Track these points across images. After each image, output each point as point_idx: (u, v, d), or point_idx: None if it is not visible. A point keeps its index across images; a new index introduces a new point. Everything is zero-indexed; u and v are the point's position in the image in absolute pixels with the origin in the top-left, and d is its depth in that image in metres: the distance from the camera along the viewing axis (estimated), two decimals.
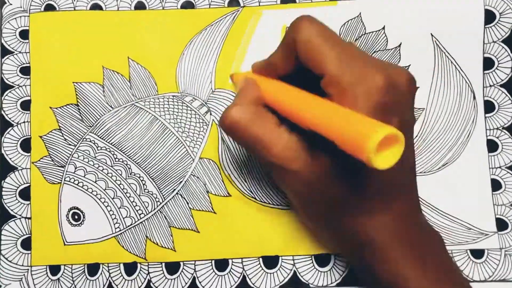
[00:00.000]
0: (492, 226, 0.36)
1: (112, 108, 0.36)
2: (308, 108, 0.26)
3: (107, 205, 0.36)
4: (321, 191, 0.27)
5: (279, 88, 0.29)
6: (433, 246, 0.29)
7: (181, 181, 0.36)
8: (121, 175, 0.36)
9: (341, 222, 0.28)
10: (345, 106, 0.25)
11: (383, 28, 0.36)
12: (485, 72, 0.36)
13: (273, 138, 0.27)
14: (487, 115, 0.36)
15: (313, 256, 0.35)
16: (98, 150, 0.36)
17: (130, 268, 0.36)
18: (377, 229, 0.28)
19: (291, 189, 0.29)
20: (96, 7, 0.37)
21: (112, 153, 0.36)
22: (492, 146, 0.36)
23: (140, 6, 0.37)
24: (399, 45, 0.36)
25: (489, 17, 0.36)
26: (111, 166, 0.36)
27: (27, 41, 0.37)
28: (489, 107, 0.36)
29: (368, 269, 0.29)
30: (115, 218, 0.36)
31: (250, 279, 0.35)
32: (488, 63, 0.36)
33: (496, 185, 0.36)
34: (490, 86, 0.36)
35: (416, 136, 0.36)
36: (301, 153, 0.27)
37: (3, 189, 0.36)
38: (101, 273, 0.35)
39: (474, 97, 0.36)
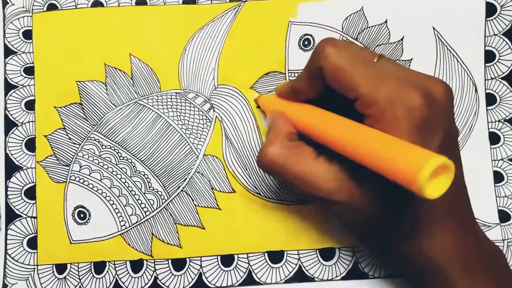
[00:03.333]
0: (495, 218, 0.36)
1: (115, 106, 0.36)
2: (348, 138, 0.24)
3: (113, 203, 0.36)
4: (372, 219, 0.26)
5: (311, 114, 0.28)
6: (495, 263, 0.28)
7: (185, 178, 0.36)
8: (126, 173, 0.36)
9: (398, 247, 0.27)
10: (384, 125, 0.24)
11: (386, 22, 0.36)
12: (487, 65, 0.36)
13: (313, 172, 0.27)
14: (488, 107, 0.36)
15: (317, 250, 0.36)
16: (102, 148, 0.36)
17: (137, 266, 0.36)
18: (436, 251, 0.27)
19: (341, 218, 0.28)
20: (97, 4, 0.37)
21: (117, 151, 0.36)
22: (494, 138, 0.36)
23: (141, 2, 0.37)
24: (402, 39, 0.36)
25: (490, 10, 0.36)
26: (116, 164, 0.36)
27: (30, 41, 0.37)
28: (490, 99, 0.36)
29: None
30: (120, 216, 0.36)
31: (256, 274, 0.36)
32: (489, 56, 0.36)
33: (498, 177, 0.36)
34: (492, 78, 0.36)
35: None
36: (344, 182, 0.26)
37: (9, 189, 0.36)
38: (107, 271, 0.36)
39: (476, 90, 0.36)
